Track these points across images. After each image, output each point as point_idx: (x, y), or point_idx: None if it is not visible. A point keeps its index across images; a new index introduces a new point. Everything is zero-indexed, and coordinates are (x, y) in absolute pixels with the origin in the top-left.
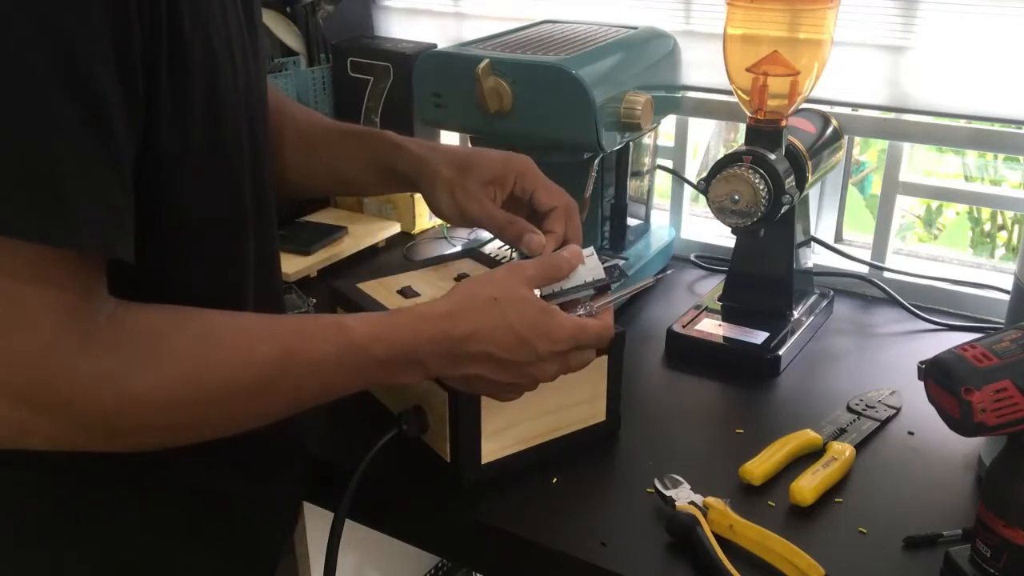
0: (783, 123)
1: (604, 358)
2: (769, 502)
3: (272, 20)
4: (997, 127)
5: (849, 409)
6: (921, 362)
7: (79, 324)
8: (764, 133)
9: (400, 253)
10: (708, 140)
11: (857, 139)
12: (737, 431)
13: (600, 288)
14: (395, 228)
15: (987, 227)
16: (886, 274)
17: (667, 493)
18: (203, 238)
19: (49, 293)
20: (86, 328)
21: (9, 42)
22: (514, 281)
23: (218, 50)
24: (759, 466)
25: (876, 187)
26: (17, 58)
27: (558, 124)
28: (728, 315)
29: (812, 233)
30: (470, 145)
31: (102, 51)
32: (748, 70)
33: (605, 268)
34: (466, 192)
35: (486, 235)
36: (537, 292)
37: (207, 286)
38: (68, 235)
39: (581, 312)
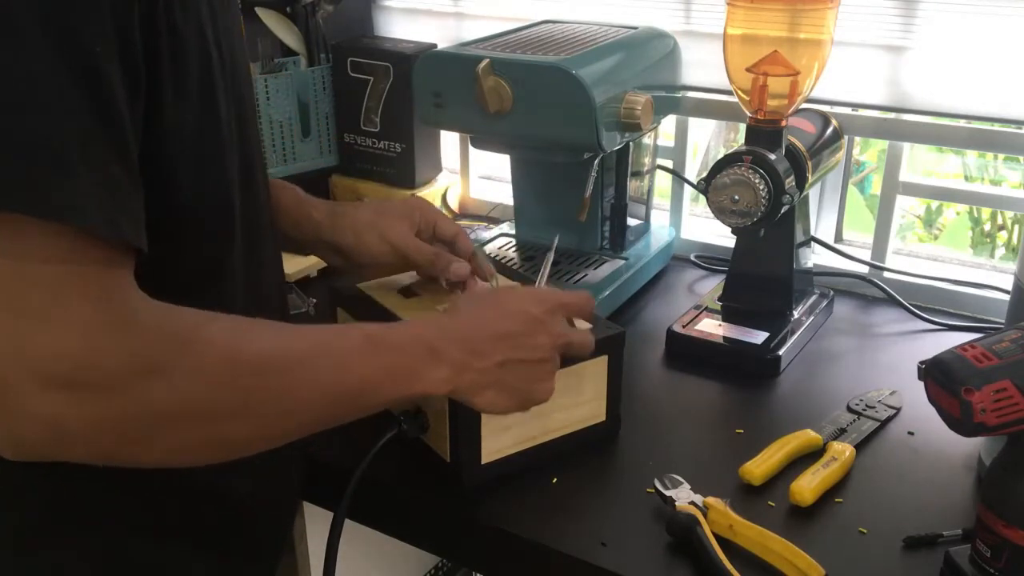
0: (783, 123)
1: (604, 358)
2: (769, 502)
3: (272, 20)
4: (997, 127)
5: (849, 409)
6: (921, 362)
7: (116, 307)
8: (764, 133)
9: None
10: (708, 140)
11: (857, 139)
12: (737, 431)
13: None
14: None
15: (987, 227)
16: (886, 274)
17: (667, 493)
18: (190, 226)
19: (82, 275)
20: (122, 312)
21: (11, 29)
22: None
23: (209, 39)
24: (759, 466)
25: (876, 187)
26: (21, 46)
27: (558, 124)
28: (728, 315)
29: (812, 233)
30: (470, 145)
31: (103, 33)
32: (748, 70)
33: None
34: (392, 229)
35: (485, 235)
36: None
37: (190, 275)
38: (75, 213)
39: None
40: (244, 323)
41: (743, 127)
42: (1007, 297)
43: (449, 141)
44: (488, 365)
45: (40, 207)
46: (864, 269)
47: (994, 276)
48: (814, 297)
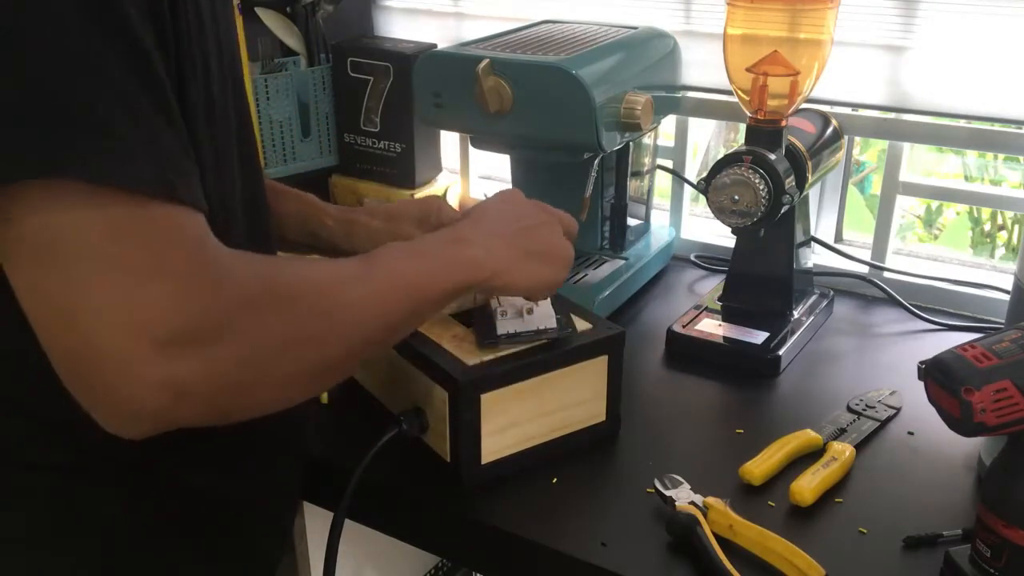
0: (783, 123)
1: (604, 358)
2: (769, 502)
3: (272, 20)
4: (997, 127)
5: (849, 409)
6: (921, 362)
7: (205, 254)
8: (764, 133)
9: None
10: (708, 140)
11: (857, 139)
12: (737, 431)
13: (549, 338)
14: None
15: (987, 227)
16: (886, 274)
17: (667, 493)
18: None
19: (168, 230)
20: (212, 257)
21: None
22: None
23: (208, 35)
24: (759, 466)
25: (876, 187)
26: (61, 15)
27: (558, 124)
28: (728, 315)
29: (812, 233)
30: (470, 145)
31: (136, 5)
32: (748, 70)
33: (556, 319)
34: (404, 234)
35: None
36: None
37: None
38: (129, 178)
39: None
40: (290, 258)
41: (743, 127)
42: (1007, 297)
43: (449, 141)
44: (505, 239)
45: (93, 172)
46: (864, 269)
47: (994, 276)
48: (814, 297)
